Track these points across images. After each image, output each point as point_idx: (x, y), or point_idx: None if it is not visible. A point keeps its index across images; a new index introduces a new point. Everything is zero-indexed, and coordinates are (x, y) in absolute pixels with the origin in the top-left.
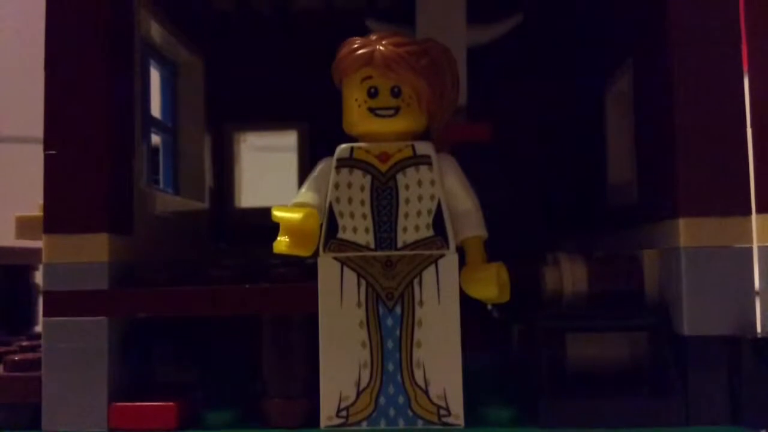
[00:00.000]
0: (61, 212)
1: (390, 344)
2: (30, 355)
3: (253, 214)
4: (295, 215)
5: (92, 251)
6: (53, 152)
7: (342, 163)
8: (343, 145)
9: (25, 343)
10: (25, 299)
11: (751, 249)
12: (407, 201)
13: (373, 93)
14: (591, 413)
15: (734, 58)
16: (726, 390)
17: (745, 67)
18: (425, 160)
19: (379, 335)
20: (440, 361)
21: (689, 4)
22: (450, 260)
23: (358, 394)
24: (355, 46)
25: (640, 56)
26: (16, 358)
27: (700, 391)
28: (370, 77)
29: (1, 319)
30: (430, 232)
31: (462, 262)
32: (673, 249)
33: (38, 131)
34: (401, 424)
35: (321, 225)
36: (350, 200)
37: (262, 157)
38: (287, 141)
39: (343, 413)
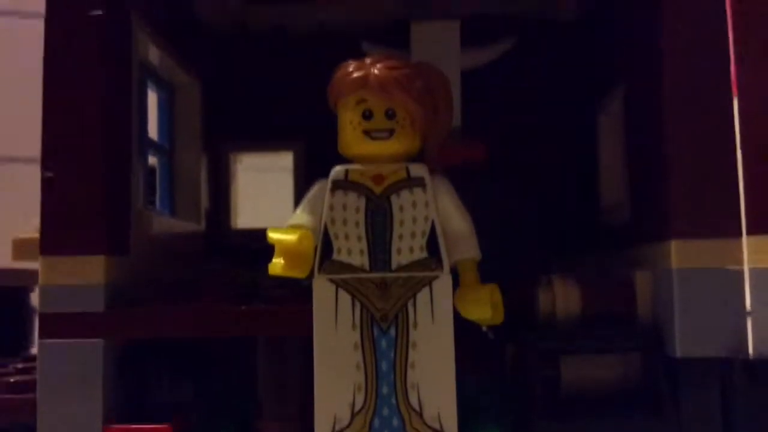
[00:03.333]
0: (57, 234)
1: (384, 366)
2: (25, 377)
3: (248, 235)
4: (290, 237)
5: (89, 273)
6: (50, 174)
7: (337, 184)
8: (338, 167)
9: (20, 365)
10: (21, 321)
11: (742, 270)
12: (401, 223)
13: (367, 115)
14: None
15: (724, 83)
16: (719, 410)
17: (735, 92)
18: (419, 182)
19: (374, 357)
20: (435, 383)
21: (679, 31)
22: (444, 282)
23: (353, 416)
24: (350, 69)
25: (632, 79)
26: (12, 380)
27: (693, 410)
28: (364, 100)
29: None
30: (424, 254)
31: (456, 284)
32: (665, 270)
33: (33, 151)
34: None
35: (316, 247)
36: (345, 222)
37: (257, 178)
38: (283, 162)
39: None
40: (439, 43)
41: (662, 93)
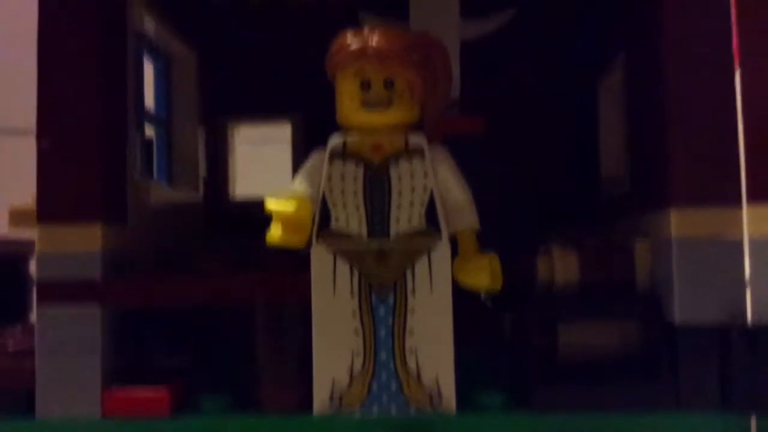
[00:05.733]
0: (54, 202)
1: (383, 332)
2: (24, 344)
3: (247, 205)
4: (288, 205)
5: (85, 241)
6: (46, 143)
7: (335, 154)
8: (337, 137)
9: (19, 333)
10: (19, 289)
11: (742, 239)
12: (400, 192)
13: (366, 86)
14: (581, 398)
15: (726, 51)
16: (716, 376)
17: (737, 59)
18: (418, 152)
19: (372, 324)
20: (432, 349)
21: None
22: (443, 251)
23: (351, 380)
24: (348, 40)
25: (633, 49)
26: (11, 348)
27: (691, 377)
28: (362, 70)
29: None
30: (423, 224)
31: (455, 253)
32: (665, 239)
33: (31, 123)
34: (394, 410)
35: (314, 216)
36: (343, 191)
37: (256, 150)
38: (281, 133)
39: (337, 400)
40: (438, 14)
41: (663, 61)
